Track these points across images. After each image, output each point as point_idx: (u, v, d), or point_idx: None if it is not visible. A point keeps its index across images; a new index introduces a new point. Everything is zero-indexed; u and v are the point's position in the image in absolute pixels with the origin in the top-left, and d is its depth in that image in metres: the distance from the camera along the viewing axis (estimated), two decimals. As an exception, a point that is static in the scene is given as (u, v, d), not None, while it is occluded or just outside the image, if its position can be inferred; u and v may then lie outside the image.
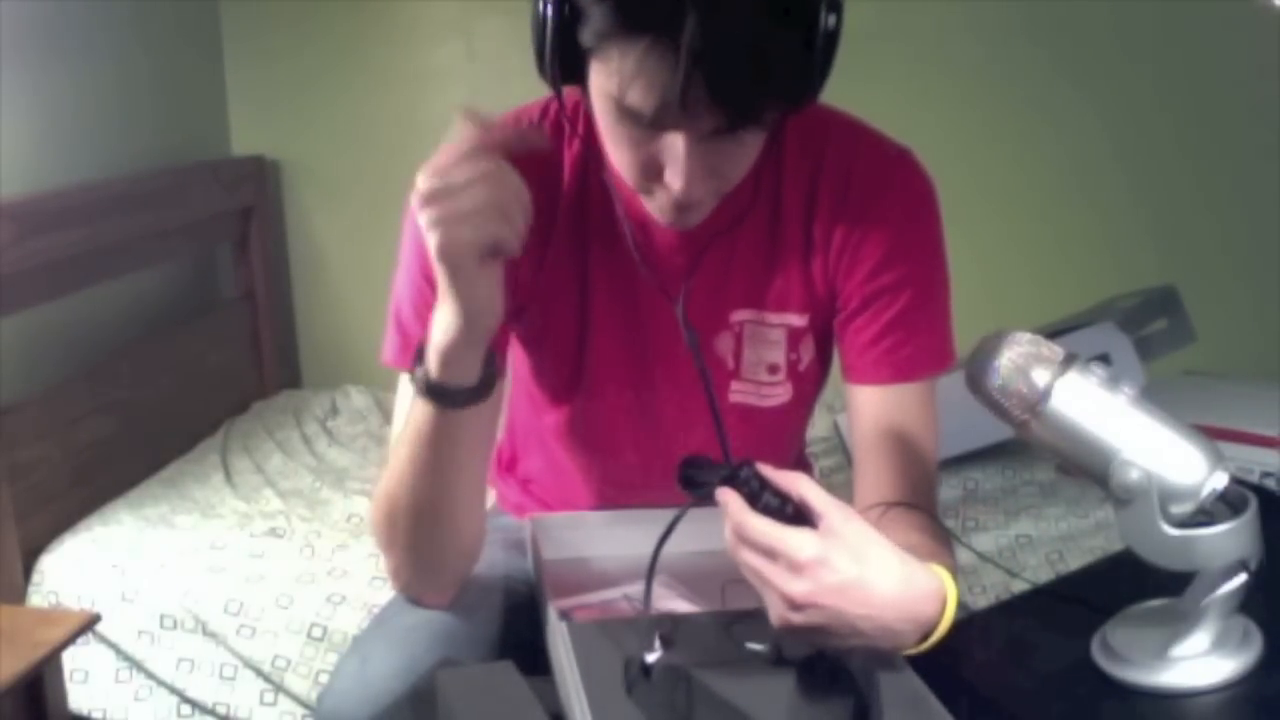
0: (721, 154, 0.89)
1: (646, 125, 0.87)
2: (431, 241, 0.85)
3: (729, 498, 0.81)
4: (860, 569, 0.79)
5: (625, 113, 0.87)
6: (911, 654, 0.85)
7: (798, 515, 0.81)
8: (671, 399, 1.11)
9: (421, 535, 1.00)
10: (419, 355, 0.92)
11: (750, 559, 0.80)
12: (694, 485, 0.84)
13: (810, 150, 1.05)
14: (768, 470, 0.83)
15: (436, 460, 0.95)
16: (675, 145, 0.87)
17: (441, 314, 0.89)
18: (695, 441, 1.11)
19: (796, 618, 0.79)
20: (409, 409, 0.96)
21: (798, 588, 0.78)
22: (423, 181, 0.84)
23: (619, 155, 0.94)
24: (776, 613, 0.80)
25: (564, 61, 0.89)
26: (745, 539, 0.80)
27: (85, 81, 2.19)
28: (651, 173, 0.91)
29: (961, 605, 1.10)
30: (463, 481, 0.98)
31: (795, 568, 0.78)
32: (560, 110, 1.06)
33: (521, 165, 1.04)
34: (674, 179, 0.89)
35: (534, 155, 1.05)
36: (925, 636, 0.84)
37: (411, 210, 1.05)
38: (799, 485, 0.82)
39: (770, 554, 0.79)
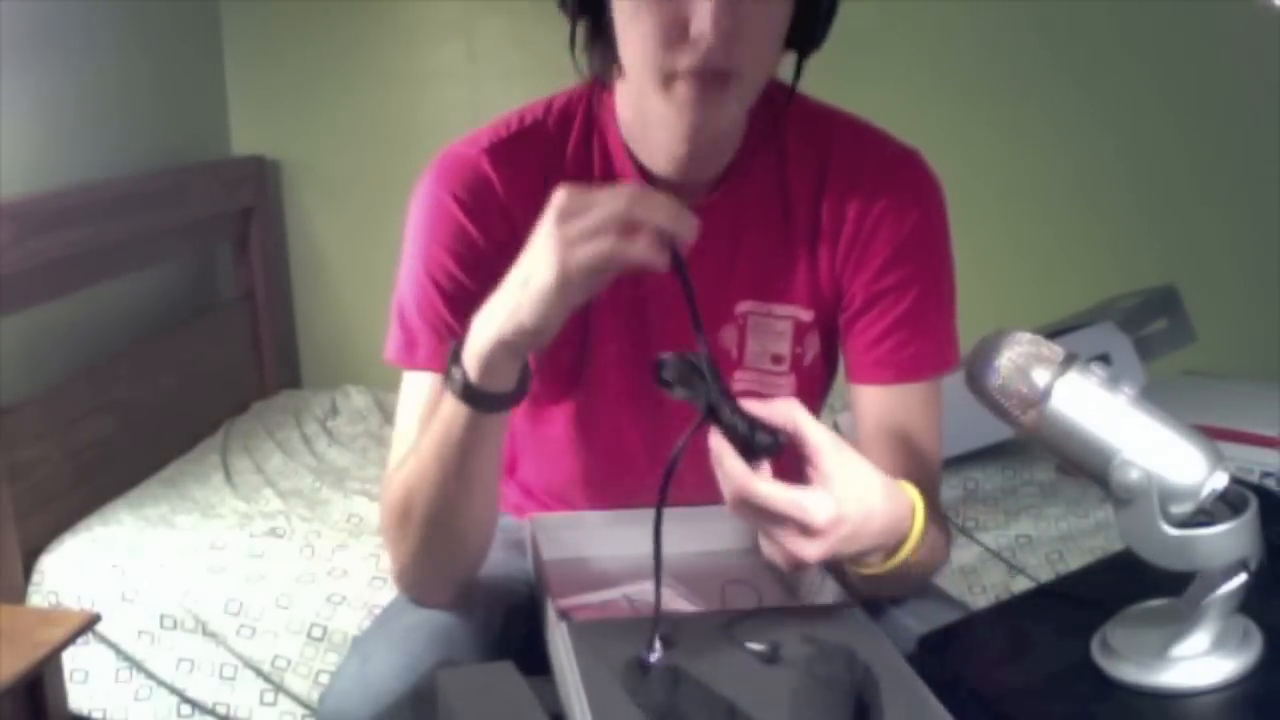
0: (743, 9, 0.90)
1: None
2: (555, 260, 0.81)
3: (724, 453, 0.82)
4: (862, 511, 0.83)
5: None
6: (875, 573, 0.91)
7: (790, 447, 0.83)
8: None
9: (437, 535, 1.00)
10: (454, 356, 0.91)
11: (758, 520, 0.82)
12: (668, 385, 0.84)
13: (816, 142, 1.06)
14: (754, 404, 0.84)
15: (465, 461, 0.94)
16: None
17: (491, 322, 0.86)
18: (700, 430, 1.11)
19: (799, 571, 0.83)
20: (438, 409, 0.94)
21: (812, 551, 0.81)
22: (561, 199, 0.83)
23: (641, 32, 0.92)
24: (779, 560, 0.83)
25: None
26: (752, 505, 0.81)
27: (85, 81, 2.19)
28: (676, 35, 0.91)
29: (961, 605, 1.11)
30: (485, 482, 0.98)
31: (810, 532, 0.80)
32: (566, 103, 1.07)
33: (523, 153, 1.05)
34: (701, 21, 0.89)
35: (536, 143, 1.06)
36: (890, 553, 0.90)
37: (414, 207, 1.06)
38: (792, 414, 0.84)
39: (781, 519, 0.80)
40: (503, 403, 0.91)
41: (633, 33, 0.93)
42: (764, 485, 0.81)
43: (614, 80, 1.04)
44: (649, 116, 0.99)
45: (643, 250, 0.81)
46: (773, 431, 0.82)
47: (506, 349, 0.87)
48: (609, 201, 0.81)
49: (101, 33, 2.25)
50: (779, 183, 1.06)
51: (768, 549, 0.83)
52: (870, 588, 0.97)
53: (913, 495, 0.90)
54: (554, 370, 1.13)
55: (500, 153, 1.04)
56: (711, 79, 0.93)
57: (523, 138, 1.06)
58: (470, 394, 0.90)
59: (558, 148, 1.06)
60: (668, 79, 0.94)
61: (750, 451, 0.82)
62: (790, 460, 0.85)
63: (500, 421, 0.94)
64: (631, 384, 1.11)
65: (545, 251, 0.82)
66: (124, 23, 2.32)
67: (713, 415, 0.82)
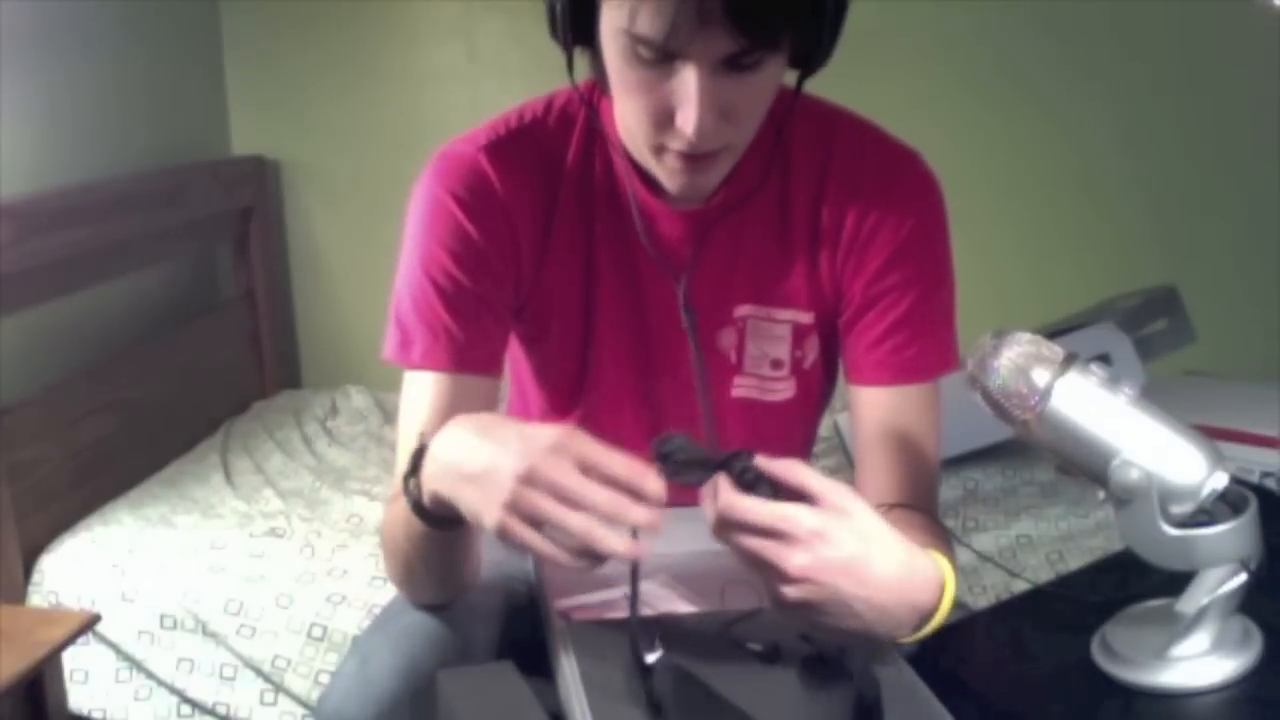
0: (733, 92, 0.88)
1: (658, 51, 0.86)
2: (499, 517, 0.78)
3: (720, 482, 0.80)
4: (862, 547, 0.79)
5: (636, 42, 0.86)
6: (906, 643, 0.85)
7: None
8: (673, 391, 1.11)
9: (416, 575, 1.02)
10: (414, 466, 0.88)
11: (743, 540, 0.80)
12: (673, 466, 0.81)
13: (818, 145, 1.06)
14: (761, 460, 0.82)
15: (432, 552, 0.95)
16: (687, 81, 0.86)
17: (447, 473, 0.83)
18: (698, 434, 1.11)
19: (792, 592, 0.79)
20: (399, 509, 0.93)
21: (796, 560, 0.78)
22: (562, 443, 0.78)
23: (630, 107, 0.92)
24: (771, 588, 0.80)
25: (575, 18, 0.89)
26: (737, 521, 0.79)
27: (85, 81, 2.19)
28: (663, 120, 0.90)
29: (961, 605, 1.11)
30: (464, 552, 0.98)
31: (793, 541, 0.78)
32: (567, 101, 1.06)
33: (522, 151, 1.05)
34: (685, 119, 0.87)
35: (536, 142, 1.05)
36: (920, 625, 0.84)
37: (413, 205, 1.05)
38: (796, 473, 0.82)
39: (766, 532, 0.79)
40: (452, 524, 0.89)
41: (624, 101, 0.93)
42: (745, 499, 0.79)
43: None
44: (644, 162, 1.00)
45: (609, 545, 0.77)
46: (776, 487, 0.81)
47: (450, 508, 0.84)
48: (595, 496, 0.76)
49: (101, 33, 2.25)
50: (780, 186, 1.06)
51: (767, 586, 0.81)
52: None
53: (943, 566, 0.86)
54: (555, 380, 1.13)
55: (499, 151, 1.04)
56: (700, 151, 0.92)
57: (522, 136, 1.05)
58: (422, 512, 0.89)
59: (558, 150, 1.06)
60: (658, 150, 0.94)
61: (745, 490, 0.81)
62: None
63: (456, 534, 0.91)
64: (632, 391, 1.11)
65: (499, 494, 0.77)
66: (123, 23, 2.32)
67: (722, 466, 0.81)
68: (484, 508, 0.78)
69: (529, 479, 0.77)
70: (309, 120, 2.70)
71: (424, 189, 1.04)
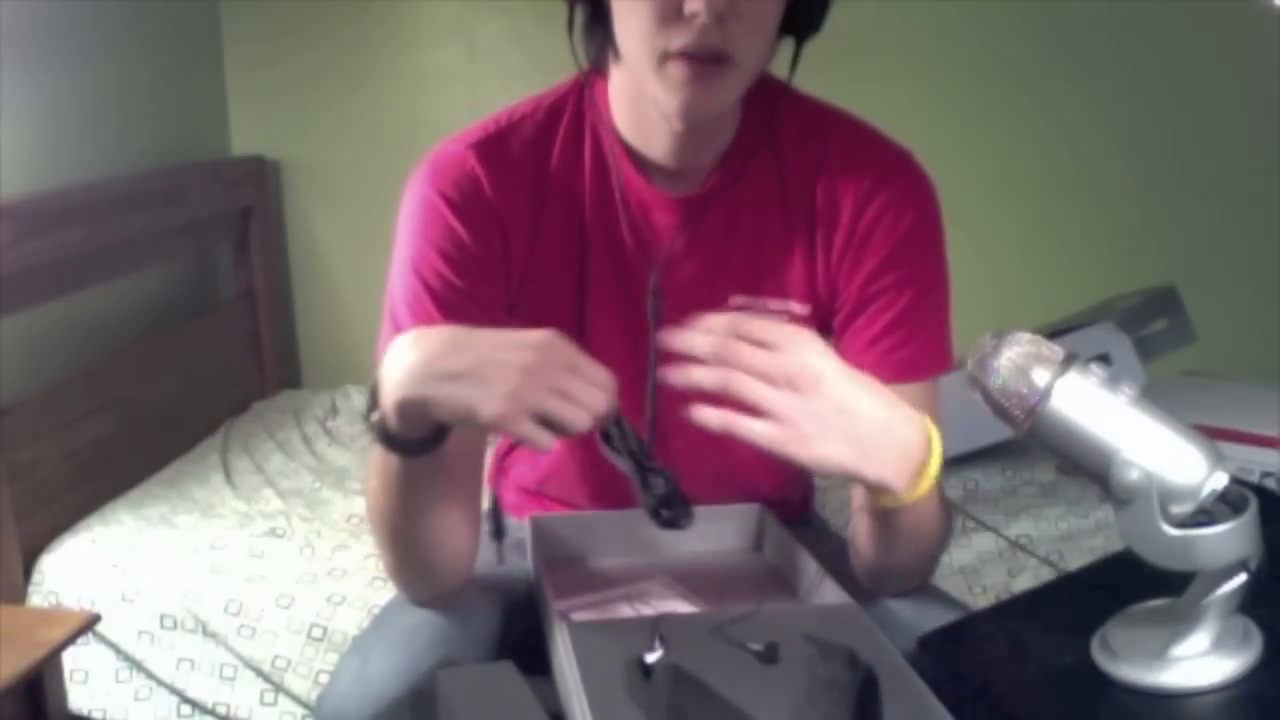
0: None
1: None
2: (503, 406, 0.82)
3: (718, 317, 0.86)
4: (855, 377, 0.87)
5: None
6: (903, 501, 0.89)
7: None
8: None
9: (405, 554, 1.01)
10: (373, 397, 0.89)
11: (753, 357, 0.84)
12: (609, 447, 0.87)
13: (813, 139, 1.06)
14: (749, 319, 0.88)
15: (408, 496, 0.95)
16: None
17: (411, 379, 0.85)
18: (695, 426, 1.11)
19: (793, 403, 0.84)
20: (372, 463, 0.95)
21: (809, 360, 0.84)
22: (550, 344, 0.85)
23: (636, 8, 0.93)
24: (767, 396, 0.84)
25: None
26: (745, 334, 0.84)
27: (85, 81, 2.19)
28: (669, 14, 0.92)
29: (961, 605, 1.11)
30: (439, 508, 0.98)
31: (803, 347, 0.85)
32: (556, 99, 1.07)
33: (511, 149, 1.05)
34: (695, 8, 0.90)
35: (524, 138, 1.06)
36: (911, 481, 0.89)
37: (404, 205, 1.06)
38: (770, 331, 0.87)
39: (768, 345, 0.84)
40: (423, 447, 0.90)
41: (629, 12, 0.94)
42: (756, 319, 0.86)
43: (609, 67, 1.04)
44: (644, 97, 1.00)
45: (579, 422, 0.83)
46: (670, 480, 0.87)
47: (421, 411, 0.86)
48: (589, 396, 0.84)
49: (101, 33, 2.25)
50: (776, 177, 1.07)
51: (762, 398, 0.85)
52: (883, 553, 0.98)
53: (929, 426, 0.90)
54: None
55: (488, 149, 1.04)
56: (705, 60, 0.93)
57: (511, 133, 1.06)
58: (392, 440, 0.89)
59: (547, 145, 1.06)
60: (662, 59, 0.94)
61: (645, 484, 0.86)
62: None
63: (436, 459, 0.92)
64: (628, 380, 1.11)
65: (502, 385, 0.82)
66: (124, 23, 2.32)
67: (638, 473, 0.87)
68: (482, 399, 0.82)
69: (532, 373, 0.82)
70: (309, 120, 2.70)
71: (414, 189, 1.05)
